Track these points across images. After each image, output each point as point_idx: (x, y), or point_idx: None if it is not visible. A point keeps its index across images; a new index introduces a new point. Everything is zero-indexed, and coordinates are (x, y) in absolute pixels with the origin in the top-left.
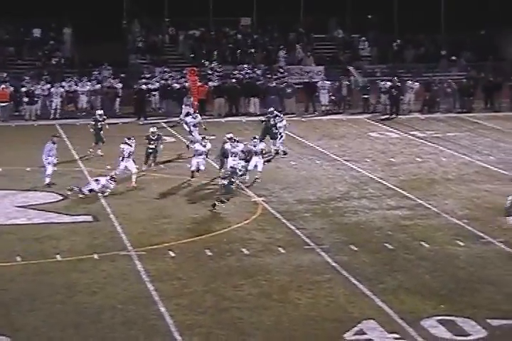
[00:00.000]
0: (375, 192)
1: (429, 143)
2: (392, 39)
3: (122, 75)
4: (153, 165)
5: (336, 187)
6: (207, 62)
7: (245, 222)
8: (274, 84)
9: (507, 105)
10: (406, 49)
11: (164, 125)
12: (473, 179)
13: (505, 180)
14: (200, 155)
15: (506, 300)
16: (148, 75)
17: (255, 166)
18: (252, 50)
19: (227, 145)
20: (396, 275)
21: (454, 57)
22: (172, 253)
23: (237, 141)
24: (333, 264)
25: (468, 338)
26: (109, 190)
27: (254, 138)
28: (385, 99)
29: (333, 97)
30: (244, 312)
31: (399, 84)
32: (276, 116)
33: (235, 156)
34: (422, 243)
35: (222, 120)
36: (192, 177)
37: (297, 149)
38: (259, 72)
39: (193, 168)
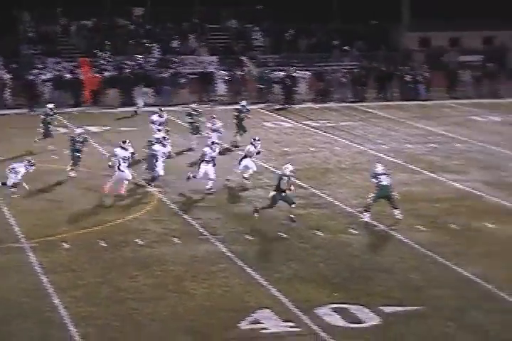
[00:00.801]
0: (270, 182)
1: (323, 133)
2: (285, 29)
3: (14, 66)
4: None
5: (230, 177)
6: (99, 53)
7: (140, 212)
8: (167, 75)
9: (398, 95)
10: (299, 39)
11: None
12: (367, 168)
13: (397, 169)
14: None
15: (399, 287)
16: (41, 66)
17: (245, 166)
18: (145, 41)
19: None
20: (291, 264)
21: (346, 47)
22: (66, 245)
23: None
24: (229, 254)
25: (362, 325)
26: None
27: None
28: (279, 89)
29: (228, 87)
30: (139, 303)
31: (292, 74)
32: (248, 110)
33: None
34: (316, 232)
35: (116, 111)
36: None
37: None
38: (152, 62)
39: (161, 173)
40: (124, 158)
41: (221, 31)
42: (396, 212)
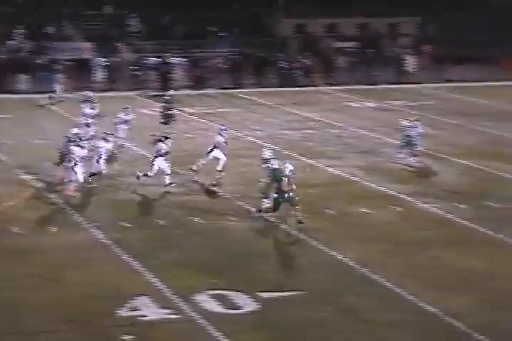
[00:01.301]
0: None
1: (200, 119)
2: (161, 15)
3: None
4: None
5: (109, 164)
6: None
7: (16, 200)
8: (43, 61)
9: (275, 81)
10: (175, 25)
11: None
12: (243, 154)
13: (274, 155)
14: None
15: (277, 272)
16: None
17: (219, 158)
18: (21, 26)
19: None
20: (169, 251)
21: (222, 34)
22: None
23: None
24: (106, 241)
25: (240, 311)
26: None
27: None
28: (155, 75)
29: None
30: (17, 292)
31: (168, 60)
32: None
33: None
34: (195, 218)
35: None
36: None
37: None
38: (27, 48)
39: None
40: (81, 158)
41: (97, 17)
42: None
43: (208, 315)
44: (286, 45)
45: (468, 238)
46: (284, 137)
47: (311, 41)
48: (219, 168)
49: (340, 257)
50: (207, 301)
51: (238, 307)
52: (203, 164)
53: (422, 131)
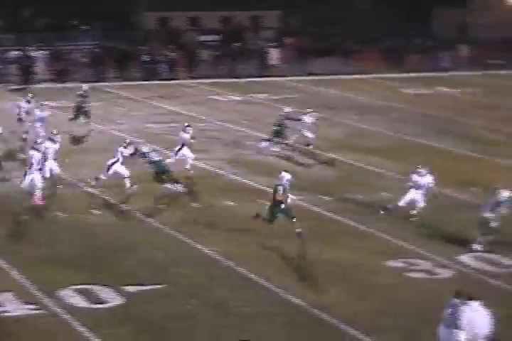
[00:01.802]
0: (5, 165)
1: (63, 113)
2: (21, 7)
3: None
4: None
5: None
6: None
7: None
8: None
9: (139, 75)
10: (36, 18)
11: None
12: (107, 148)
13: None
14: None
15: (143, 266)
16: None
17: (183, 155)
18: None
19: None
20: (33, 246)
21: (84, 27)
22: None
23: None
24: None
25: (105, 306)
26: None
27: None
28: (16, 69)
29: None
30: None
31: (29, 53)
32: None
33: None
34: (58, 213)
35: None
36: None
37: None
38: None
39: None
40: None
41: None
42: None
43: (73, 310)
44: (149, 38)
45: (333, 230)
46: (148, 130)
47: (174, 34)
48: (187, 166)
49: (205, 250)
50: (71, 296)
51: (103, 302)
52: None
53: (314, 121)
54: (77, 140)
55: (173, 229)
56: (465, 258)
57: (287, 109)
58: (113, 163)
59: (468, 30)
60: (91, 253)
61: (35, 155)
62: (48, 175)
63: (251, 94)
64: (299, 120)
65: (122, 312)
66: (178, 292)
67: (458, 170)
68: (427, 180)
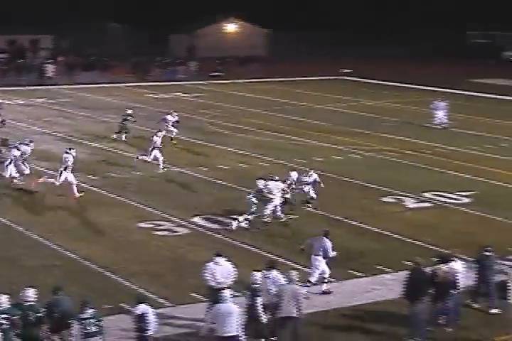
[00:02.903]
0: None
1: None
2: None
3: None
4: None
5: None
6: None
7: None
8: None
9: None
10: None
11: None
12: None
13: None
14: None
15: None
16: None
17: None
18: None
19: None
20: None
21: None
22: None
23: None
24: None
25: None
26: None
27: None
28: None
29: None
30: None
31: None
32: None
33: None
34: None
35: None
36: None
37: None
38: None
39: (7, 175)
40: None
41: None
42: None
43: None
44: None
45: (100, 200)
46: None
47: None
48: (161, 166)
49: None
50: None
51: None
52: (147, 161)
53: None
54: None
55: None
56: (197, 219)
57: (129, 111)
58: None
59: (195, 51)
60: None
61: (14, 152)
62: (27, 171)
63: (32, 99)
64: (164, 119)
65: None
66: None
67: (192, 154)
68: None
